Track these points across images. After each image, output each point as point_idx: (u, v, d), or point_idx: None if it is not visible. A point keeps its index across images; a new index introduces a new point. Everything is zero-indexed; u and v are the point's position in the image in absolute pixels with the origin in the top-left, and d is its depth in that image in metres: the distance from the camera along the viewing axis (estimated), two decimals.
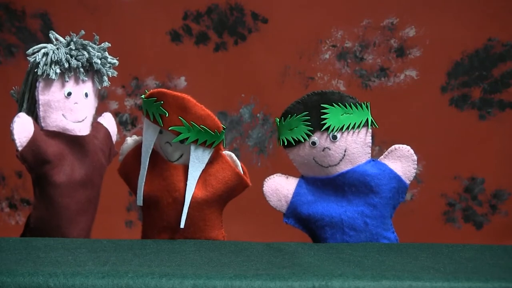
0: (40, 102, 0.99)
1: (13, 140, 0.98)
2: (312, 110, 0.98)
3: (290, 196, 1.00)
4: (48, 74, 0.98)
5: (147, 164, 1.00)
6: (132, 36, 1.69)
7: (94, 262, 0.77)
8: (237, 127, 1.71)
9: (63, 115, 1.01)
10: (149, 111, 0.98)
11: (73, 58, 0.99)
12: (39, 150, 0.99)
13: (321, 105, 0.97)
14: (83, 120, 1.02)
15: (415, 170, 1.00)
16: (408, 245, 0.92)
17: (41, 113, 1.00)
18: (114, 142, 1.09)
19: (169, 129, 0.97)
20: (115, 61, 1.04)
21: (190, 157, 0.99)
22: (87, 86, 1.03)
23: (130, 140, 1.05)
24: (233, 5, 1.69)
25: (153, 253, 0.83)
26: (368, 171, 0.98)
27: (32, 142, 0.98)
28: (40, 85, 0.99)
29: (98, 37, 1.03)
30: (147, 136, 1.00)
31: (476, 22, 1.66)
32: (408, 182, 1.00)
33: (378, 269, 0.75)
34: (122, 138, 1.69)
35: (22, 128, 0.98)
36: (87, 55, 1.00)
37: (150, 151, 1.00)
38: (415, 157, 0.99)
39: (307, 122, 0.98)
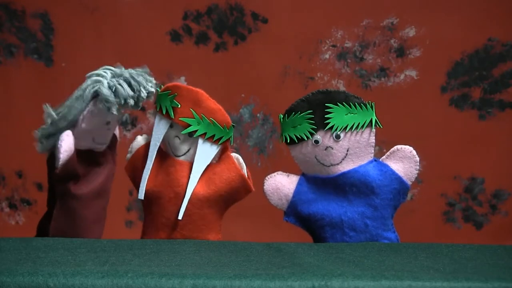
0: (81, 129, 1.00)
1: (58, 158, 0.98)
2: (317, 109, 0.98)
3: (291, 195, 1.00)
4: (110, 110, 0.98)
5: (154, 157, 1.00)
6: (132, 36, 1.69)
7: (93, 262, 0.77)
8: (237, 127, 1.71)
9: (93, 138, 1.02)
10: (162, 104, 1.00)
11: (131, 98, 0.99)
12: (73, 168, 1.00)
13: (326, 104, 0.97)
14: (107, 142, 1.04)
15: (417, 171, 0.99)
16: (408, 245, 0.92)
17: (76, 135, 1.00)
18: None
19: (179, 119, 0.98)
20: (153, 90, 1.02)
21: (197, 150, 0.99)
22: (122, 113, 1.04)
23: (140, 138, 1.05)
24: (233, 5, 1.69)
25: (152, 253, 0.83)
26: (369, 171, 0.98)
27: (71, 161, 0.99)
28: (88, 115, 0.99)
29: (148, 69, 1.02)
30: (157, 130, 1.01)
31: (476, 22, 1.66)
32: (409, 183, 0.99)
33: (377, 269, 0.75)
34: (122, 138, 1.69)
35: (68, 147, 0.99)
36: (138, 95, 0.99)
37: (159, 144, 1.01)
38: (417, 158, 0.99)
39: (311, 120, 0.98)
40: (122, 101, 0.98)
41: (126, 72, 0.99)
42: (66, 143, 0.98)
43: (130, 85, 0.99)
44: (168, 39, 1.70)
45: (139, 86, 0.99)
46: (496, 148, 1.69)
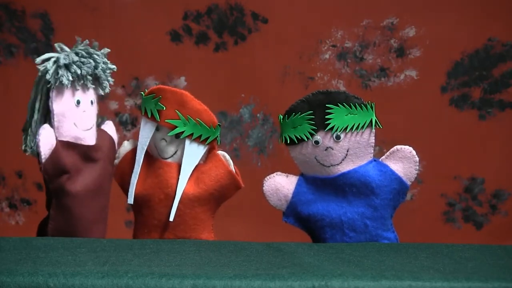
0: (54, 112, 0.99)
1: (38, 153, 0.98)
2: (317, 109, 0.97)
3: (290, 195, 1.00)
4: (61, 81, 0.97)
5: (141, 161, 1.01)
6: (132, 36, 1.69)
7: (93, 262, 0.77)
8: (237, 127, 1.71)
9: (74, 123, 1.01)
10: (147, 108, 1.00)
11: (84, 65, 1.00)
12: (59, 162, 0.99)
13: (326, 105, 0.97)
14: (90, 128, 1.03)
15: (417, 172, 0.99)
16: (408, 245, 0.92)
17: (55, 123, 0.99)
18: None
19: (165, 121, 0.98)
20: (114, 66, 1.04)
21: (184, 151, 0.99)
22: (92, 94, 1.03)
23: (127, 143, 1.05)
24: (233, 5, 1.69)
25: (153, 253, 0.83)
26: (369, 172, 0.98)
27: (54, 153, 0.98)
28: (53, 94, 0.99)
29: (97, 43, 1.03)
30: (144, 134, 1.01)
31: (476, 22, 1.66)
32: (409, 183, 0.99)
33: (378, 269, 0.75)
34: (122, 138, 1.69)
35: (47, 141, 0.98)
36: (93, 63, 1.01)
37: (146, 148, 1.01)
38: (417, 159, 0.99)
39: (311, 121, 0.98)
40: (77, 71, 0.98)
41: (75, 49, 1.01)
42: (44, 136, 0.97)
43: (78, 55, 1.00)
44: (168, 39, 1.70)
45: (92, 55, 1.00)
46: (496, 148, 1.69)
